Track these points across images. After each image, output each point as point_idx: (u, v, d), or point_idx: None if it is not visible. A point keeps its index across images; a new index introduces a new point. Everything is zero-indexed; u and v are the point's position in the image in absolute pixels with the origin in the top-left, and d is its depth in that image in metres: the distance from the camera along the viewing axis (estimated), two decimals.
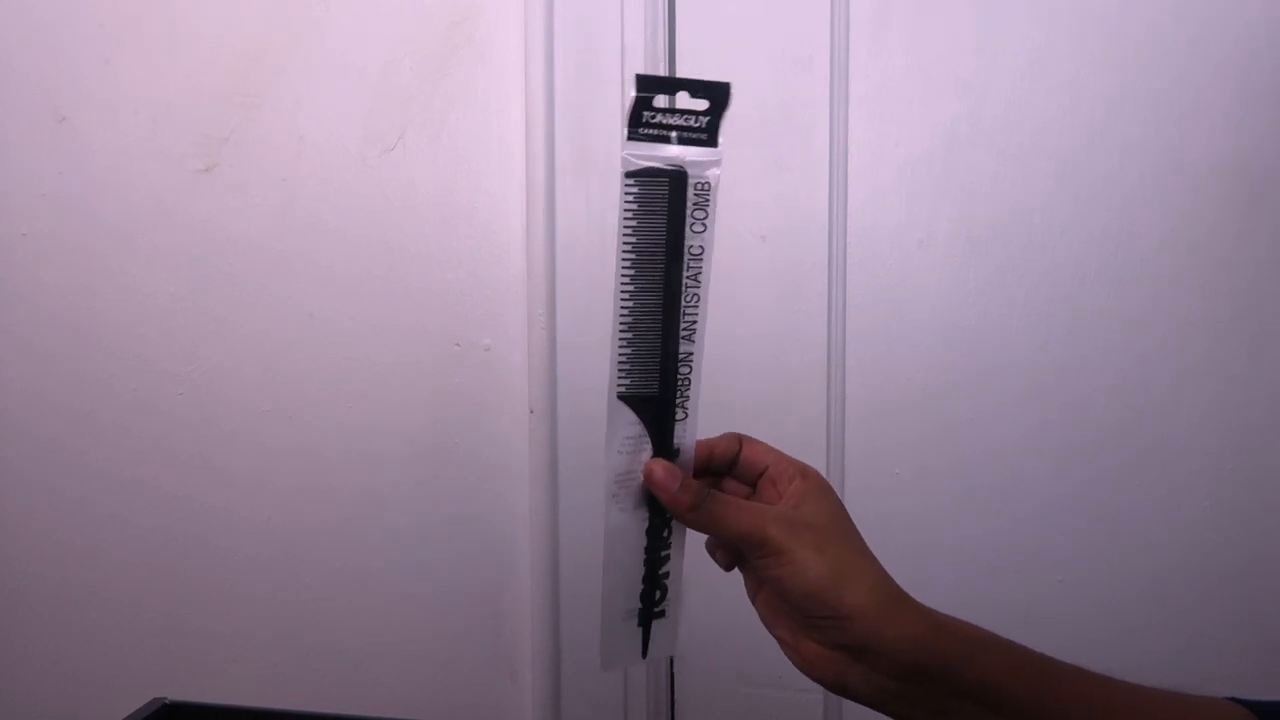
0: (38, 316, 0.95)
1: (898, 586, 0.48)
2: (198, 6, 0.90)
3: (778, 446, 0.52)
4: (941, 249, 0.80)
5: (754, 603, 0.52)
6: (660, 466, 0.50)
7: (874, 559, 0.49)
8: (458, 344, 0.88)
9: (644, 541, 0.51)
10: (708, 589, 0.86)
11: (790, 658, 0.50)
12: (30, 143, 0.93)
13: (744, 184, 0.82)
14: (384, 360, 0.89)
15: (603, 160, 0.82)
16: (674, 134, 0.46)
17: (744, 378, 0.83)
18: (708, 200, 0.47)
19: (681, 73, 0.83)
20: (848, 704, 0.84)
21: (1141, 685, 0.47)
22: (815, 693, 0.83)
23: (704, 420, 0.51)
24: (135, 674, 0.97)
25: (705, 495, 0.49)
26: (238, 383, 0.92)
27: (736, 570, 0.53)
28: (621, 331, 0.48)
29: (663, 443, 0.50)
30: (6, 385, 0.96)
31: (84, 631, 0.97)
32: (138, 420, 0.94)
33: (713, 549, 0.54)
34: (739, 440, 0.53)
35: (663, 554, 0.52)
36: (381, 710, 0.93)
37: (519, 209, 0.85)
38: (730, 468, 0.53)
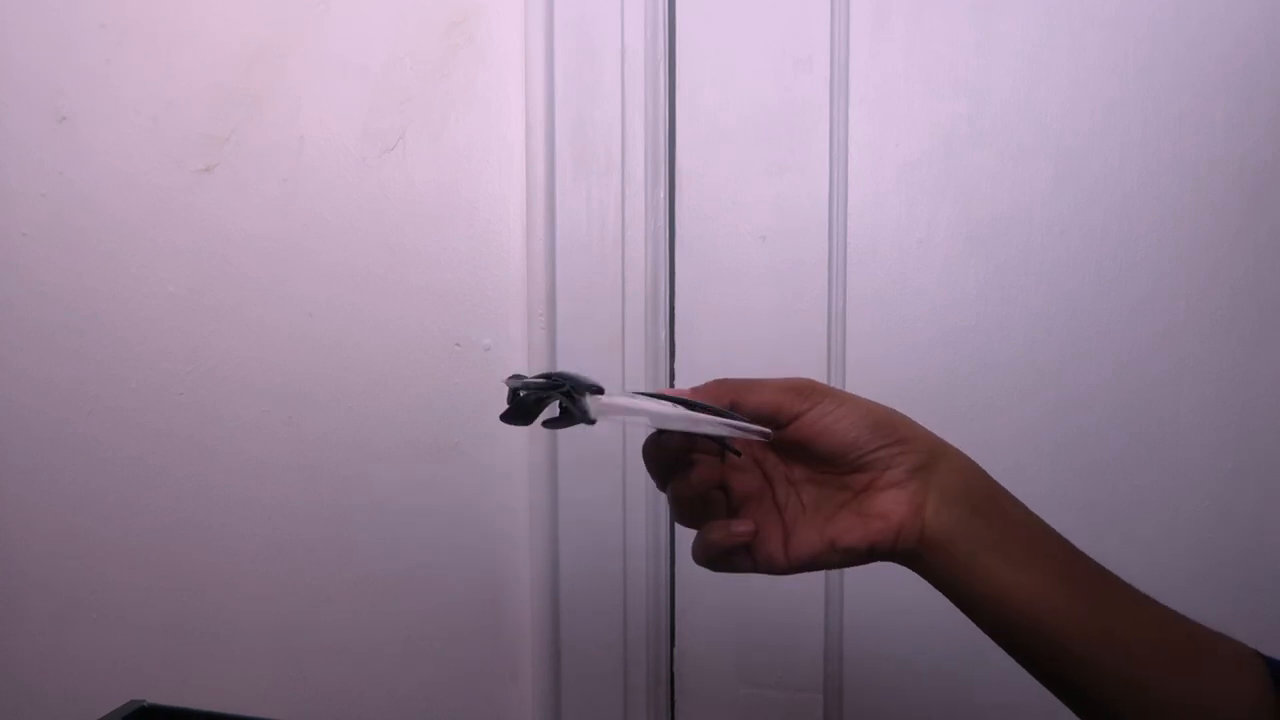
0: (38, 316, 0.95)
1: None
2: (198, 6, 0.90)
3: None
4: (941, 249, 0.80)
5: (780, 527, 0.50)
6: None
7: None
8: (458, 344, 0.88)
9: None
10: (708, 589, 0.86)
11: (855, 534, 0.48)
12: (31, 143, 0.93)
13: (744, 184, 0.82)
14: (384, 360, 0.89)
15: (603, 160, 0.82)
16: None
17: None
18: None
19: (682, 71, 0.83)
20: (848, 704, 0.84)
21: (1164, 606, 0.48)
22: (815, 692, 0.83)
23: None
24: (133, 672, 0.97)
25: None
26: (238, 383, 0.92)
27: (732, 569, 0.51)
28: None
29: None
30: (6, 385, 0.96)
31: (82, 629, 0.97)
32: (137, 420, 0.94)
33: (653, 459, 0.50)
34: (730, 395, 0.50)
35: None
36: (381, 710, 0.93)
37: (519, 209, 0.85)
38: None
